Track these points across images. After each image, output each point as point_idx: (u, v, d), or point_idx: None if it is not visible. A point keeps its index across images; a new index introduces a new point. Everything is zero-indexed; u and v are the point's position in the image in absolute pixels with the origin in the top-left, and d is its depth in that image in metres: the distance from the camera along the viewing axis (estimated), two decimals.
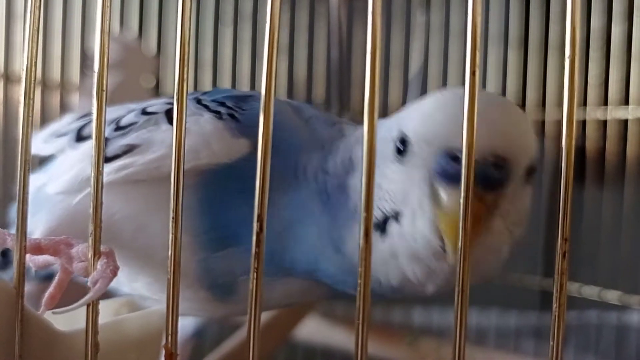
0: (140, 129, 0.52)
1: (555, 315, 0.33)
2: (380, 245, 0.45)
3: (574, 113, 0.31)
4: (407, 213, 0.44)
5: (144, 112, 0.54)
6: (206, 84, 1.19)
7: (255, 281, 0.33)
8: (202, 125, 0.51)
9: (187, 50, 0.35)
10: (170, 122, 0.51)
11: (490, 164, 0.42)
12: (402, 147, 0.45)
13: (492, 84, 1.23)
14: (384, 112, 1.32)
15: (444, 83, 1.24)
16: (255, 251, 0.34)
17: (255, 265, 0.33)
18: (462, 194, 0.33)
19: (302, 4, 1.25)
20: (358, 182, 0.46)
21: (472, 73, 0.30)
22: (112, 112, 0.56)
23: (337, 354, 1.03)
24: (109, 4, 0.36)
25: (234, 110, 0.52)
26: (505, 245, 0.46)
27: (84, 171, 0.52)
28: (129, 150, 0.51)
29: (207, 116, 0.51)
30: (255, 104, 0.54)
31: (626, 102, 1.09)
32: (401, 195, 0.45)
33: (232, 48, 1.20)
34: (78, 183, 0.52)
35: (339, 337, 0.99)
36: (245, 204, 0.49)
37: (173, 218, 0.36)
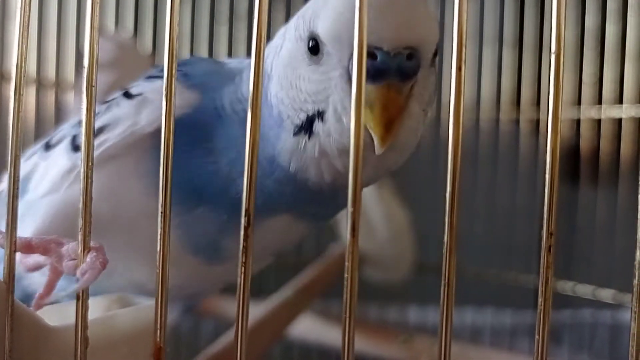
0: (104, 114, 0.54)
1: (540, 309, 0.33)
2: (309, 146, 0.47)
3: (560, 109, 0.31)
4: (331, 111, 0.46)
5: (103, 103, 0.56)
6: None
7: (242, 275, 0.33)
8: (158, 89, 0.52)
9: (177, 47, 0.36)
10: (130, 97, 0.54)
11: (404, 56, 0.43)
12: (315, 47, 0.46)
13: (487, 83, 1.23)
14: None
15: (439, 81, 1.24)
16: (243, 245, 0.34)
17: (243, 260, 0.34)
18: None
19: (298, 4, 1.25)
20: (274, 87, 0.49)
21: (458, 68, 0.31)
22: (76, 117, 0.58)
23: (332, 352, 1.03)
24: (98, 0, 0.36)
25: (181, 70, 0.54)
26: (421, 125, 0.48)
27: (62, 166, 0.54)
28: (99, 132, 0.53)
29: (160, 82, 0.53)
30: (197, 62, 0.58)
31: (620, 101, 1.09)
32: (322, 95, 0.46)
33: (228, 47, 1.21)
34: (59, 179, 0.54)
35: (333, 335, 0.99)
36: (199, 157, 0.52)
37: (162, 213, 0.36)
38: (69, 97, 1.09)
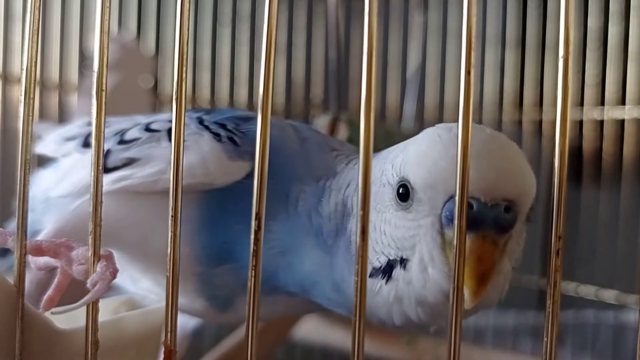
0: (142, 145, 0.53)
1: (549, 312, 0.33)
2: (385, 290, 0.46)
3: (568, 112, 0.32)
4: (416, 260, 0.44)
5: (147, 129, 0.55)
6: (204, 84, 1.20)
7: (253, 279, 0.33)
8: (200, 145, 0.52)
9: (186, 50, 0.36)
10: (170, 138, 0.52)
11: (502, 208, 0.42)
12: (404, 193, 0.45)
13: (490, 84, 1.23)
14: (382, 112, 1.32)
15: (442, 83, 1.24)
16: (254, 249, 0.34)
17: (254, 264, 0.34)
18: (456, 223, 0.32)
19: (300, 5, 1.25)
20: (354, 225, 0.45)
21: (467, 72, 0.31)
22: (118, 123, 0.58)
23: (336, 353, 1.03)
24: (108, 5, 0.36)
25: (234, 134, 0.53)
26: (507, 282, 0.46)
27: (87, 177, 0.53)
28: (128, 163, 0.52)
29: (207, 137, 0.52)
30: (255, 125, 0.55)
31: (623, 102, 1.09)
32: (408, 242, 0.45)
33: (231, 49, 1.21)
34: (81, 188, 0.54)
35: (337, 336, 0.99)
36: (241, 224, 0.49)
37: (172, 216, 0.36)
38: (73, 99, 1.09)
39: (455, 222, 0.34)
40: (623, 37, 1.09)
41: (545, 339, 0.33)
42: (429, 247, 0.44)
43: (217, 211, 0.51)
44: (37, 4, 0.37)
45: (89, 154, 0.55)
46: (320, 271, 0.49)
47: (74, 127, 0.62)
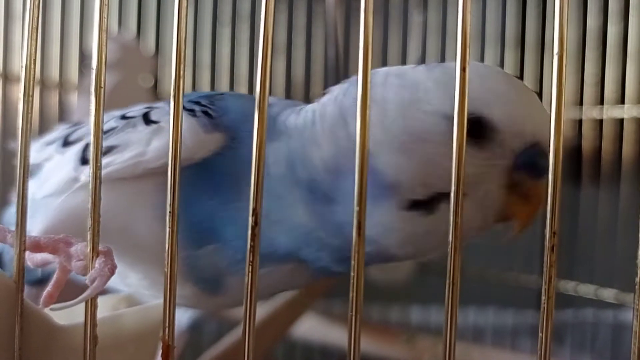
0: (118, 132, 0.54)
1: (544, 307, 0.34)
2: (417, 222, 0.47)
3: (562, 109, 0.32)
4: (474, 196, 0.46)
5: (123, 117, 0.55)
6: (204, 84, 1.20)
7: (250, 275, 0.34)
8: None
9: (184, 49, 0.36)
10: (147, 123, 0.53)
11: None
12: (479, 130, 0.46)
13: None
14: None
15: None
16: (251, 245, 0.34)
17: (251, 259, 0.34)
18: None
19: (300, 4, 1.25)
20: (391, 156, 0.46)
21: (462, 69, 0.31)
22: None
23: (335, 352, 1.03)
24: (106, 2, 0.36)
25: (207, 107, 0.53)
26: None
27: (69, 173, 0.54)
28: (107, 151, 0.52)
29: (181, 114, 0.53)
30: (229, 99, 0.56)
31: (622, 101, 1.09)
32: (472, 179, 0.45)
33: (230, 48, 1.21)
34: (63, 185, 0.54)
35: (336, 334, 1.00)
36: (219, 199, 0.51)
37: (170, 212, 0.36)
38: (73, 98, 1.10)
39: (451, 218, 0.34)
40: (622, 36, 1.09)
41: (540, 334, 0.33)
42: (497, 186, 0.47)
43: (192, 190, 0.51)
44: (36, 2, 0.37)
45: (69, 151, 0.56)
46: (310, 221, 0.49)
47: (54, 132, 0.63)
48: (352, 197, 0.47)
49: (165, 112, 0.53)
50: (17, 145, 0.40)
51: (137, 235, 0.52)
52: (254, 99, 0.56)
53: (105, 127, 0.55)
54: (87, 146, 0.54)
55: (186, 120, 0.51)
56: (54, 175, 0.56)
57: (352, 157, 0.47)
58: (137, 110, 0.56)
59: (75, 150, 0.56)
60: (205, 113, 0.53)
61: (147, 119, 0.54)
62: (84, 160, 0.54)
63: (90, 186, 0.38)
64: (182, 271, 0.52)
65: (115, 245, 0.52)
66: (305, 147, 0.50)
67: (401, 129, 0.47)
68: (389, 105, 0.48)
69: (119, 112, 0.58)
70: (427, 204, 0.47)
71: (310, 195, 0.50)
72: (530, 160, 0.46)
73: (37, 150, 0.61)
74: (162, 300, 0.39)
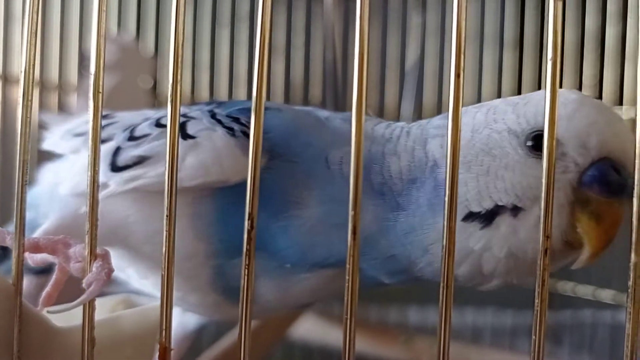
0: (152, 141, 0.52)
1: (537, 310, 0.34)
2: (475, 236, 0.46)
3: (556, 114, 0.32)
4: (535, 211, 0.45)
5: (158, 124, 0.54)
6: (203, 85, 1.20)
7: (246, 277, 0.34)
8: (214, 141, 0.51)
9: (182, 53, 0.36)
10: (184, 136, 0.51)
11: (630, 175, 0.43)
12: (539, 144, 0.44)
13: (488, 85, 1.23)
14: (380, 113, 1.33)
15: (440, 84, 1.24)
16: (247, 249, 0.34)
17: (247, 263, 0.34)
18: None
19: (299, 6, 1.25)
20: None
21: (457, 75, 0.31)
22: (128, 118, 0.57)
23: (334, 353, 1.03)
24: (104, 8, 0.37)
25: (247, 127, 0.52)
26: None
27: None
28: (140, 161, 0.51)
29: (220, 132, 0.52)
30: (269, 116, 0.55)
31: (620, 102, 1.09)
32: (532, 192, 0.45)
33: (230, 49, 1.21)
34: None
35: (335, 335, 0.99)
36: (258, 214, 0.51)
37: (167, 216, 0.36)
38: (72, 100, 1.10)
39: (445, 223, 0.35)
40: (621, 37, 1.09)
41: (533, 337, 0.34)
42: (559, 201, 0.44)
43: (232, 205, 0.51)
44: (35, 7, 0.38)
45: (100, 152, 0.55)
46: (373, 225, 0.49)
47: (82, 122, 0.62)
48: (419, 206, 0.48)
49: (204, 126, 0.52)
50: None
51: (161, 244, 0.52)
52: (296, 113, 0.56)
53: (137, 132, 0.54)
54: (117, 150, 0.53)
55: (224, 139, 0.51)
56: (78, 174, 0.54)
57: (426, 170, 0.49)
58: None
59: (104, 152, 0.53)
60: (245, 134, 0.51)
61: (183, 131, 0.52)
62: (114, 167, 0.52)
63: (88, 190, 0.38)
64: (209, 280, 0.53)
65: (139, 251, 0.52)
66: (385, 155, 0.51)
67: (468, 142, 0.48)
68: (463, 126, 0.49)
69: (153, 114, 0.57)
70: (483, 216, 0.46)
71: (380, 199, 0.50)
72: (598, 176, 0.44)
73: (63, 138, 0.60)
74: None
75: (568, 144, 0.45)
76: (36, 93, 1.09)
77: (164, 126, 0.53)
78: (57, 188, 0.56)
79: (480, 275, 0.47)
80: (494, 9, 1.23)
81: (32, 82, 0.39)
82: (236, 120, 0.53)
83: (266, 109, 0.56)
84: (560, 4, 0.32)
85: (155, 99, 1.09)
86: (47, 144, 0.62)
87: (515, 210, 0.45)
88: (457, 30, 0.32)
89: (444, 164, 0.47)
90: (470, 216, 0.47)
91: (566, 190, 0.45)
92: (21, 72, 0.38)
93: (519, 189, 0.45)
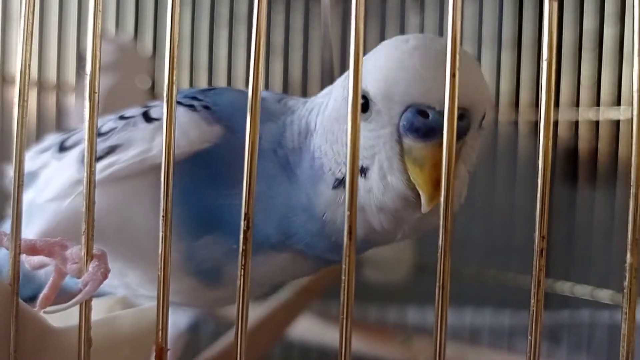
0: (119, 132, 0.54)
1: (533, 310, 0.34)
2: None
3: (551, 115, 0.32)
4: (375, 168, 0.46)
5: (122, 117, 0.56)
6: (202, 85, 1.20)
7: (242, 278, 0.34)
8: (178, 119, 0.52)
9: (176, 54, 0.36)
10: (147, 120, 0.54)
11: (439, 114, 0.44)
12: (364, 105, 0.47)
13: None
14: None
15: None
16: (243, 249, 0.34)
17: (243, 263, 0.34)
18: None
19: (297, 6, 1.26)
20: (318, 140, 0.49)
21: (452, 75, 0.31)
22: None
23: (332, 352, 1.03)
24: (100, 9, 0.37)
25: (205, 102, 0.54)
26: (465, 187, 0.49)
27: (71, 177, 0.54)
28: (111, 150, 0.53)
29: (182, 110, 0.53)
30: (222, 93, 0.57)
31: (618, 102, 1.10)
32: (368, 152, 0.46)
33: (228, 50, 1.21)
34: (67, 188, 0.54)
35: (333, 335, 1.00)
36: (219, 189, 0.52)
37: (163, 217, 0.36)
38: (70, 100, 1.10)
39: (441, 222, 0.35)
40: (618, 38, 1.09)
41: (529, 337, 0.34)
42: (388, 155, 0.46)
43: (191, 182, 0.52)
44: (31, 8, 0.38)
45: (67, 156, 0.56)
46: (292, 205, 0.50)
47: (47, 141, 0.63)
48: (305, 177, 0.49)
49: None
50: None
51: (136, 232, 0.53)
52: (245, 92, 0.57)
53: (104, 128, 0.55)
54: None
55: (187, 114, 0.53)
56: (54, 181, 0.56)
57: (307, 139, 0.50)
58: (134, 110, 0.57)
59: (75, 153, 0.56)
60: (205, 107, 0.54)
61: (147, 117, 0.54)
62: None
63: (84, 190, 0.38)
64: (180, 265, 0.53)
65: (114, 243, 0.52)
66: (286, 126, 0.52)
67: (328, 113, 0.50)
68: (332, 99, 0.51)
69: (114, 116, 0.58)
70: (344, 181, 0.47)
71: (285, 178, 0.51)
72: (407, 125, 0.45)
73: (31, 159, 0.61)
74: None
75: (378, 101, 0.46)
76: (34, 93, 1.09)
77: (128, 118, 0.55)
78: (32, 203, 0.57)
79: (376, 233, 0.48)
80: (492, 9, 1.23)
81: (28, 83, 0.39)
82: (194, 98, 0.55)
83: (216, 88, 0.58)
84: (555, 4, 0.32)
85: (153, 98, 1.10)
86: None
87: (364, 170, 0.47)
88: (453, 31, 0.32)
89: (317, 132, 0.50)
90: (337, 184, 0.48)
91: (391, 144, 0.46)
92: (17, 72, 0.39)
93: (360, 151, 0.47)
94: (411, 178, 0.45)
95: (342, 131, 0.48)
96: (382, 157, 0.46)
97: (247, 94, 0.58)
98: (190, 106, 0.54)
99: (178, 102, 0.54)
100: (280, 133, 0.52)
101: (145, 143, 0.52)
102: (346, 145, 0.46)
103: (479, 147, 0.49)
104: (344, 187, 0.46)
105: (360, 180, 0.47)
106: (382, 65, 0.46)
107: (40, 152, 0.61)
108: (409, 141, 0.45)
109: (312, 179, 0.49)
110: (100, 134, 0.55)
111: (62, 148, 0.58)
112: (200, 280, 0.55)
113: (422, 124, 0.44)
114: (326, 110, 0.50)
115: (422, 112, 0.44)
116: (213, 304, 0.64)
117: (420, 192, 0.44)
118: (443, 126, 0.41)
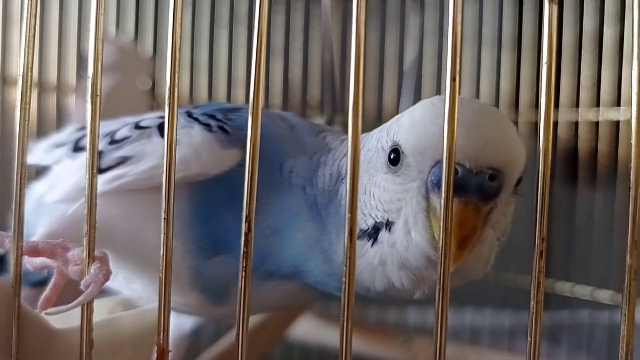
0: (133, 142, 0.54)
1: (532, 312, 0.34)
2: (370, 253, 0.46)
3: (551, 116, 0.32)
4: (400, 223, 0.45)
5: (137, 127, 0.56)
6: (202, 87, 1.20)
7: (243, 280, 0.34)
8: (192, 137, 0.52)
9: (179, 56, 0.36)
10: (162, 134, 0.52)
11: (487, 176, 0.43)
12: (395, 158, 0.46)
13: (486, 86, 1.24)
14: (379, 113, 1.33)
15: (438, 84, 1.25)
16: (244, 251, 0.35)
17: (244, 265, 0.34)
18: (443, 195, 0.34)
19: (298, 6, 1.26)
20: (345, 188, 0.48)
21: (453, 79, 0.31)
22: (107, 126, 0.58)
23: (332, 353, 1.03)
24: (102, 12, 0.37)
25: (224, 123, 0.54)
26: (493, 254, 0.47)
27: (81, 181, 0.54)
28: (122, 161, 0.53)
29: (197, 128, 0.53)
30: (245, 115, 0.56)
31: (618, 103, 1.10)
32: (395, 206, 0.46)
33: (228, 51, 1.21)
34: (75, 192, 0.54)
35: (333, 336, 0.99)
36: (234, 213, 0.50)
37: (164, 219, 0.37)
38: (71, 101, 1.10)
39: (441, 224, 0.35)
40: (618, 38, 1.09)
41: (529, 338, 0.34)
42: (414, 210, 0.45)
43: (207, 203, 0.52)
44: (33, 11, 0.38)
45: (80, 158, 0.56)
46: (312, 244, 0.50)
47: (63, 134, 0.63)
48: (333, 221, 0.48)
49: (181, 124, 0.53)
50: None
51: (146, 244, 0.52)
52: (271, 115, 0.57)
53: (118, 135, 0.55)
54: (100, 154, 0.53)
55: (201, 134, 0.53)
56: (64, 181, 0.56)
57: (337, 183, 0.49)
58: (151, 119, 0.56)
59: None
60: (222, 129, 0.53)
61: (162, 130, 0.53)
62: (99, 169, 0.53)
63: (86, 192, 0.38)
64: (189, 280, 0.53)
65: (124, 252, 0.52)
66: (320, 165, 0.52)
67: (361, 164, 0.48)
68: (364, 150, 0.50)
69: (132, 120, 0.58)
70: (369, 234, 0.47)
71: (310, 217, 0.50)
72: (435, 180, 0.44)
73: (46, 151, 0.61)
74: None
75: (409, 155, 0.45)
76: (35, 95, 1.09)
77: (144, 128, 0.55)
78: (43, 199, 0.57)
79: (396, 289, 0.47)
80: (492, 10, 1.23)
81: (30, 86, 0.39)
82: (212, 117, 0.54)
83: (242, 109, 0.58)
84: (555, 7, 0.32)
85: (153, 100, 1.10)
86: (30, 159, 0.63)
87: (389, 224, 0.46)
88: (453, 34, 0.32)
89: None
90: (361, 235, 0.47)
91: (418, 199, 0.45)
92: (19, 75, 0.39)
93: (385, 204, 0.46)
94: (435, 235, 0.44)
95: (371, 183, 0.47)
96: (408, 212, 0.45)
97: (275, 117, 0.58)
98: (207, 125, 0.53)
99: (195, 119, 0.54)
100: (312, 171, 0.52)
101: (156, 159, 0.52)
102: (374, 197, 0.47)
103: (510, 215, 0.47)
104: (368, 238, 0.46)
105: (385, 235, 0.46)
106: (417, 121, 0.46)
107: (55, 146, 0.61)
108: (435, 197, 0.44)
109: (337, 225, 0.48)
110: (113, 141, 0.55)
111: (77, 147, 0.58)
112: (207, 298, 0.55)
113: (455, 180, 0.42)
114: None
115: (454, 169, 0.42)
116: (217, 319, 0.64)
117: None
118: (472, 184, 0.41)
